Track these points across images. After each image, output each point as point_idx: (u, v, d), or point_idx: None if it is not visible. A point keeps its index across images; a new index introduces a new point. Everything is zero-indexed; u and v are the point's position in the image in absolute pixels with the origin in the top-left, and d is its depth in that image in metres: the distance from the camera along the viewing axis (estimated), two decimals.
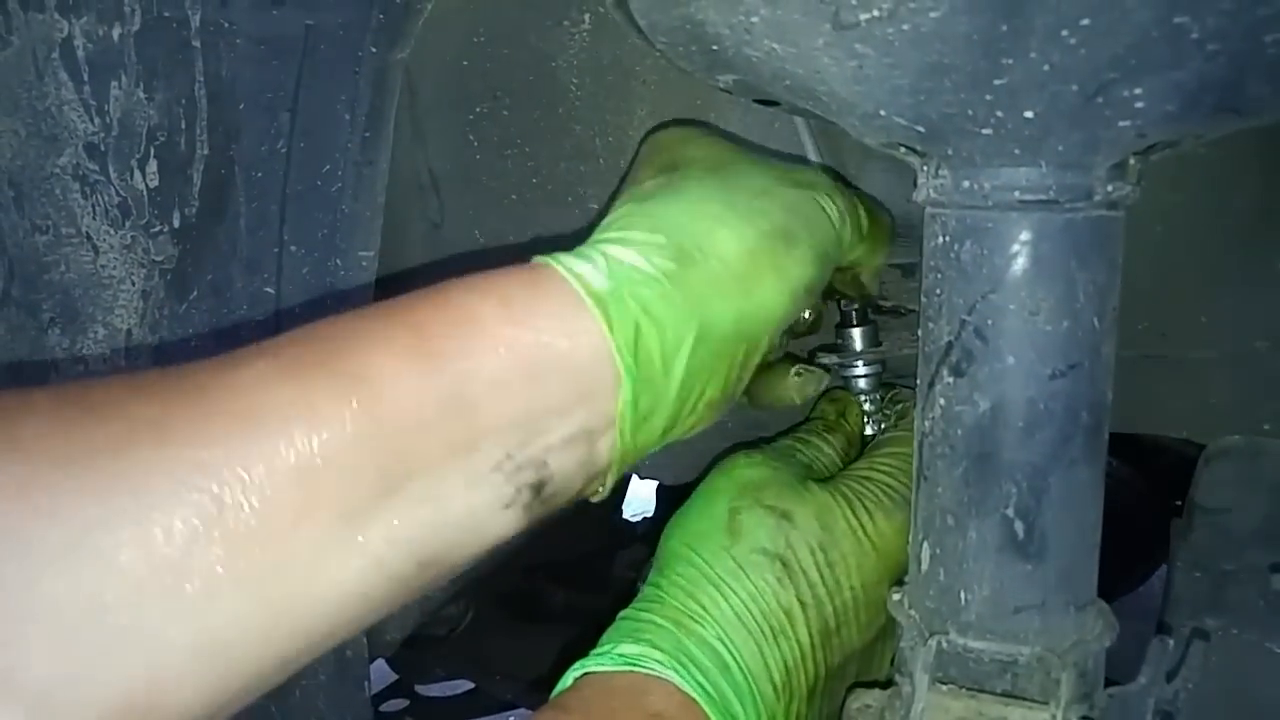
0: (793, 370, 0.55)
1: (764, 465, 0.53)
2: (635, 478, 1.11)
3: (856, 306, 0.58)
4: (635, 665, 0.46)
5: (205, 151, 0.58)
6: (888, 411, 0.59)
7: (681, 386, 0.42)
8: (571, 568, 1.07)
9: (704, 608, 0.47)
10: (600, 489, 0.44)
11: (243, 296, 0.64)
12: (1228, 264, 0.53)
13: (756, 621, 0.47)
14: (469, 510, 0.38)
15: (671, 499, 1.05)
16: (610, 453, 0.42)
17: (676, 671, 0.45)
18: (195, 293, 0.62)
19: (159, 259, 0.60)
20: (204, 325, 0.64)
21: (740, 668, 0.45)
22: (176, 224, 0.59)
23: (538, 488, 0.40)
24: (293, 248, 0.64)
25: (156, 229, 0.59)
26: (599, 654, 0.47)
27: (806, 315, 0.56)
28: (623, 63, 0.59)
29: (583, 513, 0.82)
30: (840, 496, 0.51)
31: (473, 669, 1.09)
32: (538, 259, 0.43)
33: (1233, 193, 0.52)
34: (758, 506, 0.50)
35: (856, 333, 0.58)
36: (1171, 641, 0.46)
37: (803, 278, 0.45)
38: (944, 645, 0.42)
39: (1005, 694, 0.41)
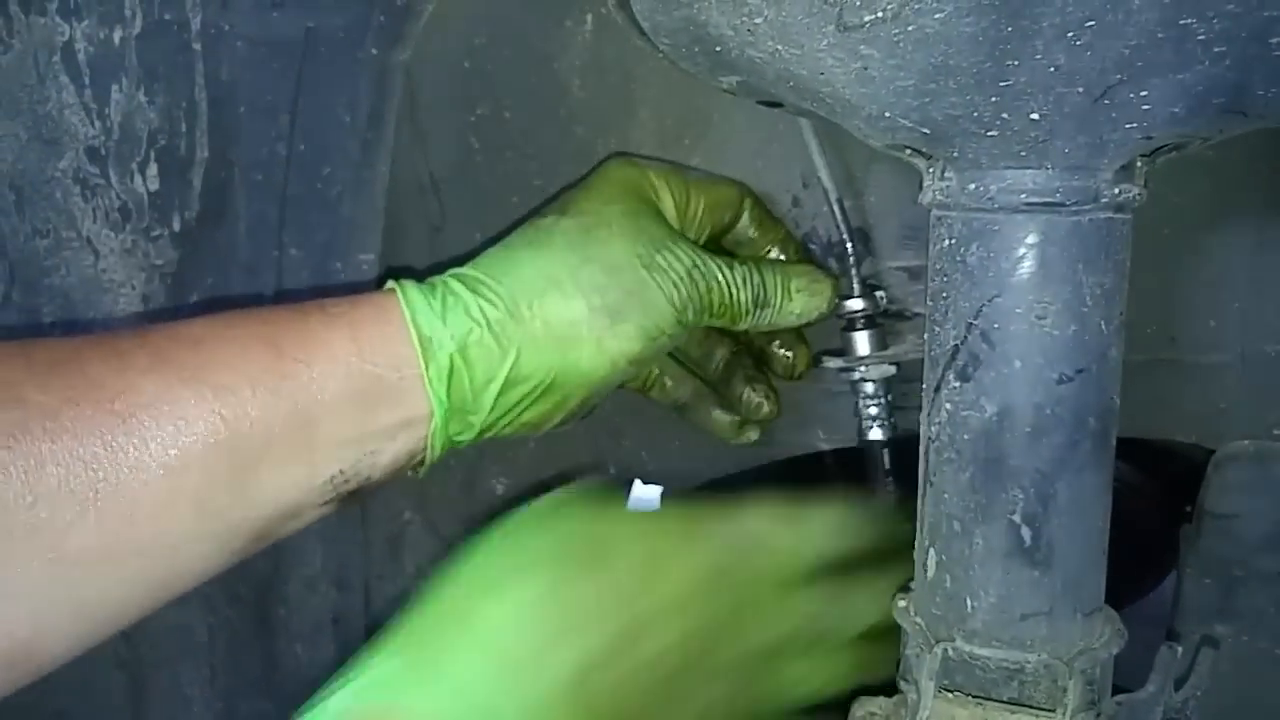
0: (713, 411, 0.61)
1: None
2: (638, 483, 1.11)
3: (861, 310, 0.57)
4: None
5: (205, 154, 0.57)
6: (893, 420, 0.58)
7: (491, 415, 0.49)
8: None
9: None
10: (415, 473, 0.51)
11: (242, 300, 0.64)
12: (1236, 267, 0.53)
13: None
14: (300, 506, 0.46)
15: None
16: (420, 460, 0.50)
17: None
18: (195, 296, 0.62)
19: (159, 262, 0.59)
20: None
21: None
22: (176, 227, 0.59)
23: (356, 492, 0.48)
24: (292, 250, 0.63)
25: (156, 232, 0.58)
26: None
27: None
28: (625, 64, 0.59)
29: None
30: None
31: None
32: (391, 284, 0.50)
33: (1241, 195, 0.52)
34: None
35: (861, 336, 0.57)
36: (1180, 649, 0.45)
37: (623, 351, 0.50)
38: (950, 652, 0.42)
39: (1012, 701, 0.40)
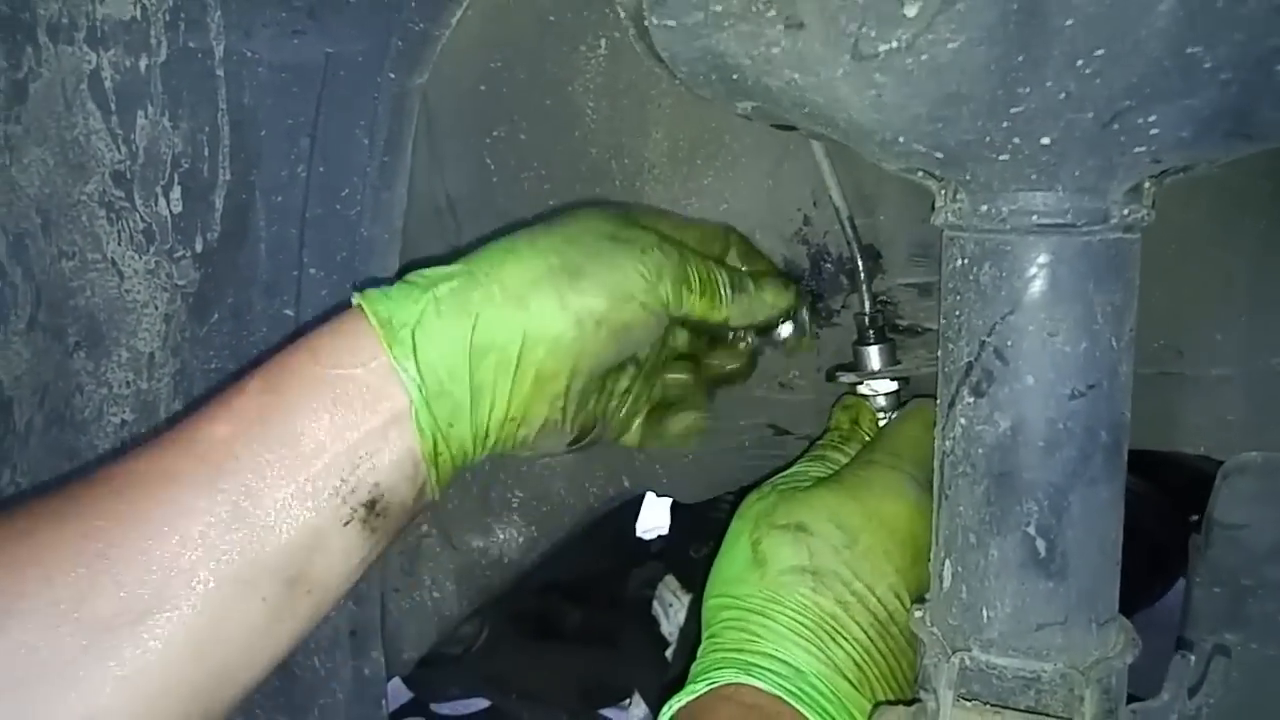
0: (676, 414, 0.59)
1: (771, 493, 0.54)
2: (650, 496, 1.12)
3: (869, 324, 0.58)
4: (711, 684, 0.47)
5: (227, 177, 0.59)
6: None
7: (474, 392, 0.48)
8: (586, 586, 1.07)
9: (756, 635, 0.49)
10: (433, 495, 0.50)
11: (262, 319, 0.65)
12: (1242, 282, 0.54)
13: (811, 630, 0.48)
14: (314, 530, 0.45)
15: (686, 518, 1.06)
16: (425, 462, 0.48)
17: (750, 676, 0.46)
18: (216, 316, 0.63)
19: (181, 283, 0.60)
20: (224, 348, 0.64)
21: (810, 670, 0.47)
22: (199, 248, 0.60)
23: (370, 505, 0.47)
24: (312, 270, 0.64)
25: (179, 254, 0.59)
26: (670, 703, 0.48)
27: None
28: (639, 86, 0.60)
29: (597, 532, 0.83)
30: (848, 493, 0.52)
31: (488, 688, 1.09)
32: (355, 297, 0.50)
33: (1245, 211, 0.53)
34: (773, 530, 0.52)
35: (873, 351, 0.58)
36: (1194, 657, 0.46)
37: (587, 308, 0.49)
38: (967, 662, 0.43)
39: (1029, 710, 0.41)
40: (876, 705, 0.45)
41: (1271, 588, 0.58)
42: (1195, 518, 1.06)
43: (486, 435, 0.50)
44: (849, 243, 0.58)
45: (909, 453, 0.54)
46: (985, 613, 0.43)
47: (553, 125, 0.63)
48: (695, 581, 0.87)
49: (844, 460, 0.57)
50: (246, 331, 0.65)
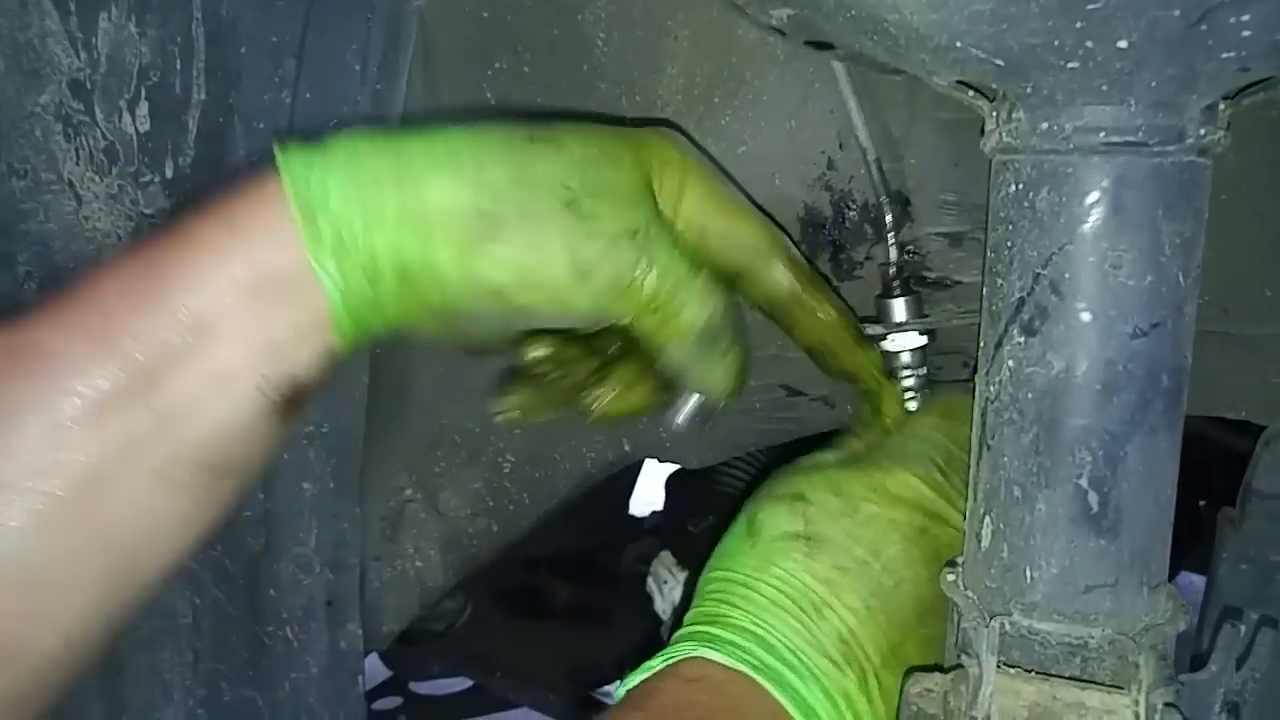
0: (650, 389, 0.52)
1: (777, 474, 0.51)
2: (644, 470, 1.08)
3: (895, 275, 0.54)
4: (668, 659, 0.43)
5: (202, 96, 0.54)
6: (928, 391, 0.56)
7: (399, 283, 0.43)
8: (576, 562, 1.03)
9: (735, 606, 0.45)
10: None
11: None
12: None
13: (793, 600, 0.44)
14: (238, 425, 0.42)
15: (684, 492, 1.02)
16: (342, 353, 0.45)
17: (712, 649, 0.42)
18: None
19: (148, 212, 0.56)
20: None
21: (784, 644, 0.42)
22: (169, 174, 0.55)
23: (291, 398, 0.44)
24: (256, 170, 0.60)
25: (146, 178, 0.55)
26: (626, 680, 0.45)
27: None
28: (654, 16, 0.56)
29: (590, 505, 0.79)
30: (853, 466, 0.49)
31: (471, 666, 1.05)
32: (279, 153, 0.44)
33: None
34: (769, 500, 0.48)
35: (898, 304, 0.54)
36: (1243, 628, 0.43)
37: (485, 276, 0.43)
38: (1006, 627, 0.39)
39: (1074, 679, 0.38)
40: (909, 671, 0.41)
41: None
42: (1204, 502, 1.04)
43: (409, 326, 0.46)
44: (875, 187, 0.54)
45: (925, 434, 0.51)
46: (1029, 573, 0.39)
47: (560, 57, 0.59)
48: (692, 558, 0.84)
49: (862, 448, 0.54)
50: None
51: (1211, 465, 0.96)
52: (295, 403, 0.44)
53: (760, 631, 0.43)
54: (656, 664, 0.44)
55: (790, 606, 0.44)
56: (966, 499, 0.43)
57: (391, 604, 0.75)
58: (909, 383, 0.55)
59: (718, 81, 0.57)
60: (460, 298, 0.44)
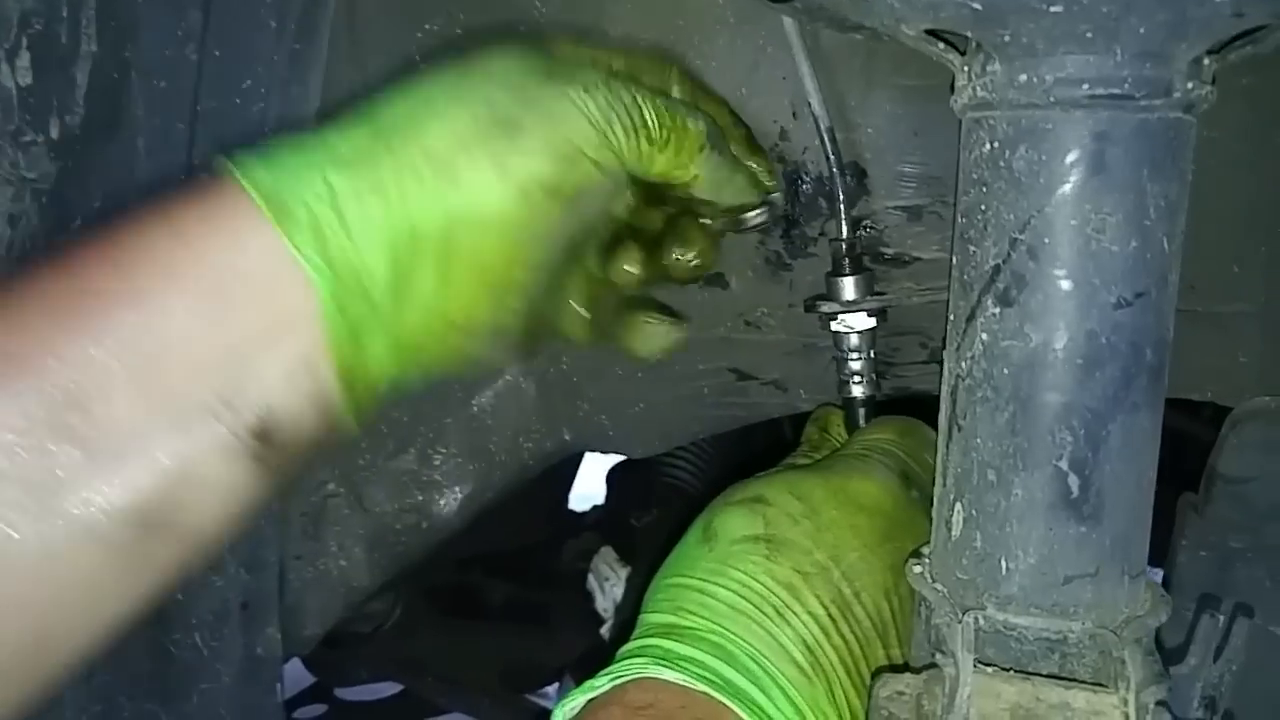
0: (642, 318, 0.49)
1: (733, 486, 0.47)
2: (584, 464, 1.04)
3: (846, 252, 0.51)
4: (614, 679, 0.39)
5: (93, 48, 0.49)
6: (873, 376, 0.53)
7: (397, 292, 0.38)
8: (512, 560, 0.99)
9: (689, 613, 0.41)
10: (350, 426, 0.40)
11: None
12: (1264, 210, 0.48)
13: (754, 604, 0.40)
14: (189, 463, 0.35)
15: (625, 485, 0.98)
16: (339, 380, 0.38)
17: (663, 665, 0.38)
18: (78, 221, 0.53)
19: (31, 176, 0.50)
20: None
21: (745, 653, 0.39)
22: (55, 134, 0.50)
23: (260, 432, 0.36)
24: (203, 175, 0.55)
25: (28, 138, 0.49)
26: (561, 703, 0.40)
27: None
28: None
29: (527, 499, 0.75)
30: (812, 472, 0.46)
31: (401, 670, 1.00)
32: (227, 165, 0.39)
33: (1272, 132, 0.47)
34: (725, 505, 0.45)
35: (848, 282, 0.51)
36: (1222, 618, 0.41)
37: (532, 171, 0.39)
38: (980, 622, 0.36)
39: (1058, 677, 0.35)
40: (878, 671, 0.38)
41: (1263, 551, 0.53)
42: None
43: (414, 348, 0.40)
44: (828, 158, 0.51)
45: (883, 446, 0.48)
46: (1004, 564, 0.36)
47: (495, 20, 0.55)
48: (635, 553, 0.81)
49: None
50: None
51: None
52: (274, 445, 0.37)
53: (719, 639, 0.39)
54: (602, 684, 0.39)
55: (751, 611, 0.40)
56: (929, 506, 0.41)
57: (314, 606, 0.70)
58: (856, 366, 0.52)
59: (663, 46, 0.54)
60: (519, 223, 0.39)
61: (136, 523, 0.34)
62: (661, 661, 0.38)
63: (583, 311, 0.47)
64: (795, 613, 0.40)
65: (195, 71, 0.52)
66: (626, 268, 0.47)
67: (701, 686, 0.37)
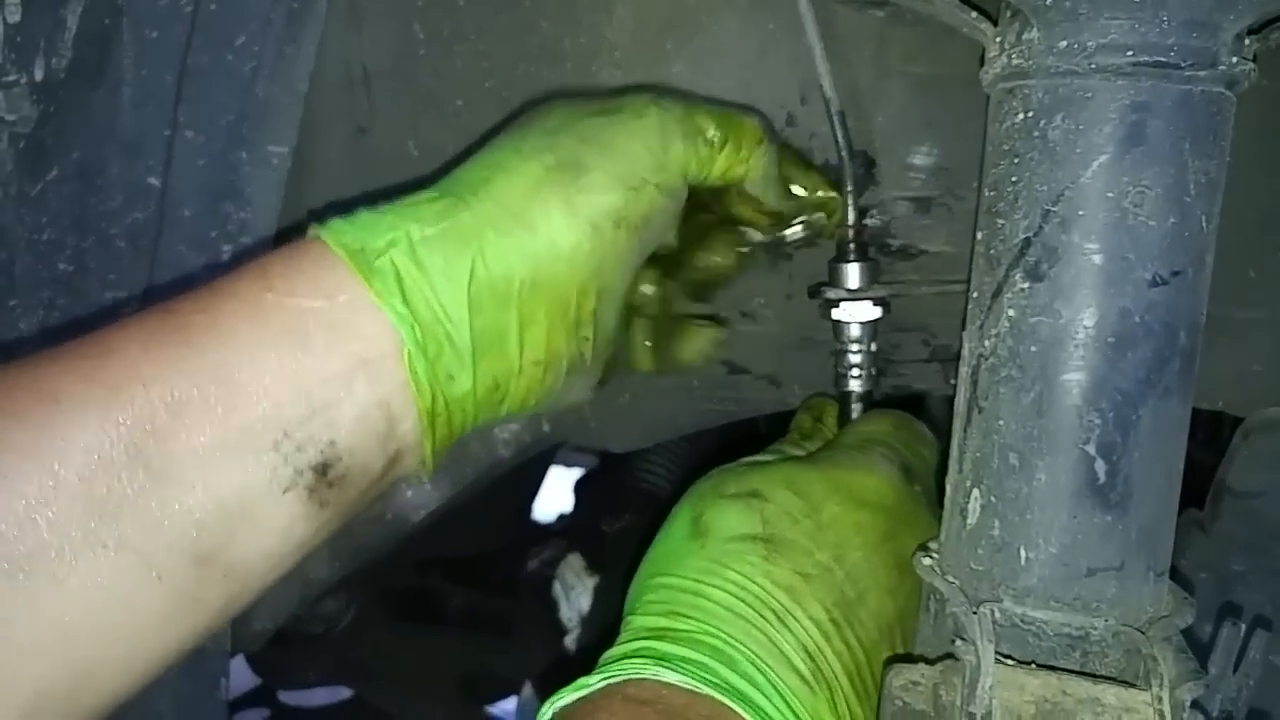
0: (689, 324, 0.51)
1: (717, 472, 0.45)
2: (549, 475, 1.01)
3: (852, 239, 0.50)
4: (607, 678, 0.36)
5: None
6: (872, 372, 0.51)
7: (477, 335, 0.40)
8: (473, 566, 0.95)
9: (683, 615, 0.38)
10: (421, 467, 0.41)
11: (118, 185, 0.52)
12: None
13: (753, 608, 0.38)
14: (240, 494, 0.36)
15: (596, 493, 0.95)
16: (415, 422, 0.39)
17: (663, 666, 0.36)
18: (55, 171, 0.50)
19: (10, 118, 0.47)
20: (62, 215, 0.51)
21: (745, 658, 0.36)
22: (38, 76, 0.47)
23: (322, 469, 0.37)
24: (189, 133, 0.52)
25: (11, 78, 0.46)
26: (552, 699, 0.37)
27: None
28: None
29: (490, 505, 0.72)
30: (810, 465, 0.44)
31: (351, 675, 0.96)
32: (312, 228, 0.41)
33: None
34: (719, 500, 0.42)
35: (852, 269, 0.50)
36: (1243, 627, 0.39)
37: (600, 206, 0.42)
38: (996, 615, 0.34)
39: (1086, 673, 0.33)
40: (889, 661, 0.36)
41: (1266, 575, 0.51)
42: None
43: (497, 389, 0.41)
44: (837, 143, 0.49)
45: (882, 438, 0.46)
46: (1023, 553, 0.35)
47: None
48: (605, 561, 0.77)
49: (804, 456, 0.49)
50: (95, 198, 0.52)
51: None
52: (335, 484, 0.38)
53: (717, 643, 0.37)
54: (594, 681, 0.36)
55: (749, 614, 0.38)
56: (935, 503, 0.39)
57: (266, 598, 0.66)
58: (855, 359, 0.50)
59: (671, 25, 0.52)
60: (591, 257, 0.41)
61: (189, 554, 0.35)
62: (661, 663, 0.36)
63: (646, 342, 0.49)
64: (796, 618, 0.38)
65: (189, 23, 0.50)
66: (647, 287, 0.49)
67: (706, 689, 0.35)
